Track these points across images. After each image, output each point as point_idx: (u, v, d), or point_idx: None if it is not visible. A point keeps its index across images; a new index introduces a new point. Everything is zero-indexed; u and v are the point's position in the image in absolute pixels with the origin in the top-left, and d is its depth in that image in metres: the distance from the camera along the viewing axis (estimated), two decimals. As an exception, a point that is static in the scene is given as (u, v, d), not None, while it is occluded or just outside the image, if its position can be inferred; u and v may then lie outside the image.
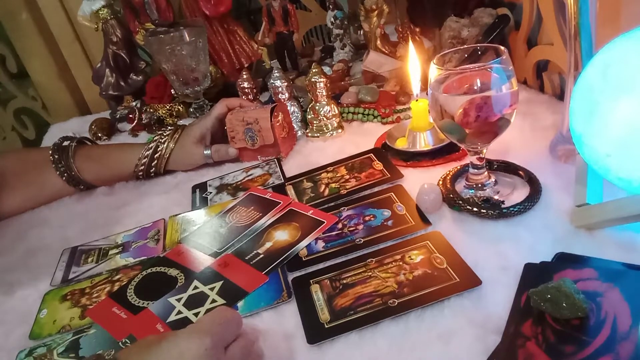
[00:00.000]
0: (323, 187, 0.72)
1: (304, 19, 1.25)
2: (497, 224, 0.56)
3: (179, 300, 0.56)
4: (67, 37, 1.27)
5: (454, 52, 0.63)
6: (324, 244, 0.60)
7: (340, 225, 0.62)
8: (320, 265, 0.57)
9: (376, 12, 0.99)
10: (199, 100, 1.08)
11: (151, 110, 1.08)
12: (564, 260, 0.48)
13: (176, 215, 0.74)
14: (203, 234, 0.67)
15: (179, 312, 0.54)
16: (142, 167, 0.83)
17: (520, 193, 0.60)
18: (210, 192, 0.78)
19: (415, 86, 0.71)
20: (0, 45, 1.43)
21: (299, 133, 0.88)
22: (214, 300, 0.55)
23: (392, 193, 0.66)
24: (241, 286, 0.56)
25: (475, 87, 0.54)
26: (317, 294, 0.52)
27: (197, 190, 0.79)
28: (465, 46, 0.63)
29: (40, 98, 1.42)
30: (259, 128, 0.80)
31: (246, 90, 0.92)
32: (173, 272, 0.61)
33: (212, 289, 0.56)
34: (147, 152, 0.83)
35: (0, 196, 0.82)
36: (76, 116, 1.33)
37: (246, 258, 0.60)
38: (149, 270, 0.63)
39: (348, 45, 1.14)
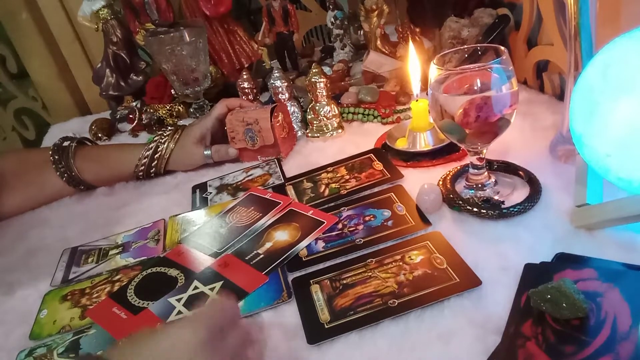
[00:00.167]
0: (323, 187, 0.72)
1: (304, 19, 1.25)
2: (497, 224, 0.56)
3: (179, 300, 0.56)
4: (67, 37, 1.27)
5: (454, 52, 0.63)
6: (324, 244, 0.60)
7: (340, 226, 0.62)
8: (320, 266, 0.57)
9: (376, 12, 0.99)
10: (199, 101, 1.08)
11: (151, 110, 1.08)
12: (564, 261, 0.48)
13: (176, 215, 0.74)
14: (203, 234, 0.67)
15: (179, 312, 0.54)
16: (142, 168, 0.83)
17: (520, 193, 0.60)
18: (210, 193, 0.78)
19: (415, 86, 0.71)
20: (0, 46, 1.43)
21: (299, 133, 0.88)
22: (214, 301, 0.55)
23: (392, 193, 0.66)
24: (241, 286, 0.56)
25: (475, 87, 0.54)
26: (317, 294, 0.52)
27: (197, 191, 0.79)
28: (465, 46, 0.63)
29: (41, 98, 1.42)
30: (259, 128, 0.80)
31: (246, 90, 0.92)
32: (173, 272, 0.61)
33: (212, 289, 0.56)
34: (147, 153, 0.83)
35: (1, 196, 0.82)
36: (76, 116, 1.34)
37: (246, 258, 0.60)
38: (149, 271, 0.63)
39: (348, 45, 1.14)
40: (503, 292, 0.47)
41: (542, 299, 0.42)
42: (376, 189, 0.68)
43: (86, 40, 1.28)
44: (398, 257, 0.55)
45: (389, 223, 0.60)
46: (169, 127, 0.86)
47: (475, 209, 0.57)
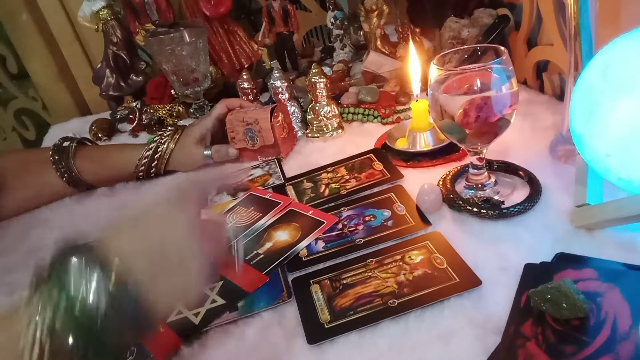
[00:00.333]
0: (323, 187, 0.72)
1: (304, 20, 1.25)
2: (497, 224, 0.56)
3: (179, 300, 0.56)
4: (68, 37, 1.27)
5: (454, 52, 0.63)
6: (324, 244, 0.60)
7: (340, 226, 0.62)
8: (320, 266, 0.57)
9: (376, 12, 0.99)
10: (199, 101, 1.08)
11: (151, 110, 1.08)
12: (564, 261, 0.48)
13: (176, 215, 0.74)
14: (203, 234, 0.67)
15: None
16: (143, 168, 0.83)
17: (520, 193, 0.60)
18: (210, 193, 0.78)
19: (415, 86, 0.71)
20: (0, 46, 1.43)
21: (299, 133, 0.88)
22: (214, 300, 0.55)
23: (392, 193, 0.66)
24: (241, 286, 0.56)
25: (475, 88, 0.54)
26: (317, 294, 0.52)
27: (197, 191, 0.79)
28: (465, 46, 0.63)
29: (41, 98, 1.42)
30: (259, 128, 0.80)
31: (246, 90, 0.92)
32: (173, 272, 0.61)
33: (212, 289, 0.56)
34: (147, 153, 0.83)
35: (1, 197, 0.82)
36: (76, 117, 1.34)
37: (246, 258, 0.60)
38: (149, 271, 0.63)
39: (348, 45, 1.14)
40: (503, 292, 0.47)
41: (542, 299, 0.42)
42: (376, 189, 0.68)
43: (86, 40, 1.28)
44: (398, 257, 0.55)
45: (389, 223, 0.60)
46: (169, 128, 0.86)
47: (475, 209, 0.57)
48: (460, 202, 0.59)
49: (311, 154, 0.83)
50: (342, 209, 0.65)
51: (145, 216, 0.40)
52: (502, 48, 0.54)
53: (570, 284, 0.42)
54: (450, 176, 0.64)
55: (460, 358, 0.42)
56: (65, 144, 0.85)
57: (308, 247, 0.60)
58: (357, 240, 0.59)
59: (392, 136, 0.77)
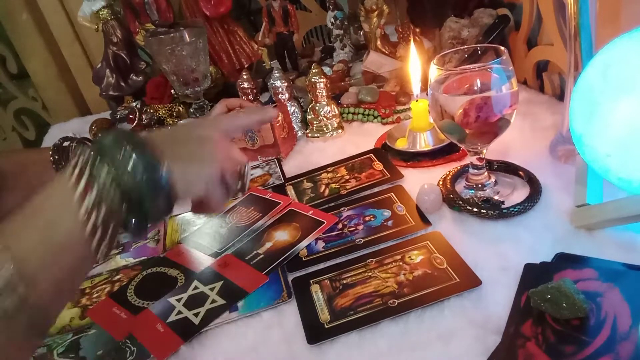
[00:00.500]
0: (323, 187, 0.72)
1: (304, 20, 1.25)
2: (497, 224, 0.56)
3: (179, 300, 0.56)
4: (68, 37, 1.27)
5: (454, 52, 0.63)
6: (324, 244, 0.60)
7: (340, 226, 0.62)
8: (320, 266, 0.57)
9: (376, 12, 0.99)
10: (199, 101, 1.08)
11: (151, 110, 1.08)
12: (564, 261, 0.48)
13: (176, 215, 0.74)
14: (203, 234, 0.67)
15: (179, 312, 0.54)
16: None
17: (520, 193, 0.60)
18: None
19: (415, 86, 0.71)
20: (0, 46, 1.43)
21: (299, 133, 0.88)
22: (214, 301, 0.55)
23: (392, 193, 0.66)
24: (241, 286, 0.56)
25: (475, 88, 0.54)
26: (317, 294, 0.52)
27: (197, 191, 0.79)
28: (465, 46, 0.63)
29: (41, 98, 1.42)
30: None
31: (246, 90, 0.92)
32: (173, 272, 0.61)
33: (212, 289, 0.56)
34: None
35: (0, 196, 0.82)
36: (76, 117, 1.34)
37: (246, 258, 0.60)
38: (149, 271, 0.63)
39: (348, 45, 1.14)
40: (503, 292, 0.47)
41: (542, 299, 0.42)
42: (376, 189, 0.68)
43: (86, 40, 1.28)
44: (398, 257, 0.55)
45: (389, 223, 0.60)
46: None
47: (475, 209, 0.57)
48: (460, 202, 0.59)
49: (311, 154, 0.83)
50: (342, 209, 0.65)
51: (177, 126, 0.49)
52: (502, 48, 0.54)
53: (570, 284, 0.42)
54: (450, 176, 0.64)
55: (460, 358, 0.43)
56: (66, 143, 0.85)
57: (308, 247, 0.60)
58: (357, 240, 0.59)
59: (392, 136, 0.77)
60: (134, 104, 1.12)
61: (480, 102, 0.53)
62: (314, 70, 0.84)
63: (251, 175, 0.80)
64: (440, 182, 0.64)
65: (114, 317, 0.56)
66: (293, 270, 0.57)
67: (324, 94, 0.85)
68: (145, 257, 0.66)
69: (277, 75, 0.88)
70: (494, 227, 0.56)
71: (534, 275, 0.47)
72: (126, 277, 0.63)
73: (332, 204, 0.67)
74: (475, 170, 0.61)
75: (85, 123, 1.17)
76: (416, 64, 0.71)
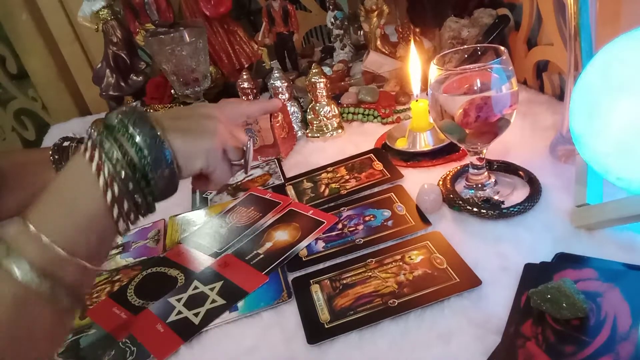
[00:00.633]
0: (323, 187, 0.72)
1: (304, 20, 1.25)
2: (497, 224, 0.56)
3: (179, 300, 0.56)
4: (67, 37, 1.27)
5: (454, 52, 0.63)
6: (324, 244, 0.60)
7: (340, 226, 0.62)
8: (320, 266, 0.57)
9: (376, 12, 0.99)
10: (199, 101, 1.08)
11: (151, 110, 1.08)
12: (564, 260, 0.48)
13: (176, 215, 0.74)
14: (203, 234, 0.67)
15: (179, 312, 0.54)
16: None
17: (520, 193, 0.60)
18: (211, 193, 0.78)
19: (415, 86, 0.71)
20: (0, 46, 1.43)
21: (299, 133, 0.88)
22: (214, 300, 0.55)
23: (392, 193, 0.66)
24: (241, 286, 0.56)
25: (475, 88, 0.54)
26: (317, 294, 0.52)
27: (197, 191, 0.79)
28: (465, 46, 0.63)
29: (40, 99, 1.42)
30: (258, 128, 0.80)
31: (246, 90, 0.92)
32: (173, 272, 0.61)
33: (212, 289, 0.56)
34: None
35: (0, 196, 0.82)
36: (76, 117, 1.34)
37: (246, 258, 0.60)
38: (149, 271, 0.63)
39: (348, 45, 1.14)
40: (503, 292, 0.47)
41: (542, 299, 0.42)
42: (376, 189, 0.68)
43: (86, 40, 1.28)
44: (398, 257, 0.55)
45: (389, 223, 0.60)
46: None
47: (475, 209, 0.57)
48: (460, 202, 0.59)
49: (311, 154, 0.83)
50: (342, 209, 0.65)
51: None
52: (502, 48, 0.54)
53: (570, 284, 0.42)
54: (450, 176, 0.64)
55: (460, 358, 0.43)
56: (66, 143, 0.85)
57: (308, 247, 0.60)
58: (357, 240, 0.59)
59: (392, 136, 0.77)
60: (134, 104, 1.12)
61: (480, 102, 0.53)
62: (314, 70, 0.84)
63: (251, 175, 0.80)
64: (440, 182, 0.64)
65: (114, 317, 0.56)
66: (293, 270, 0.57)
67: (324, 94, 0.85)
68: (145, 257, 0.66)
69: (277, 75, 0.88)
70: (494, 227, 0.56)
71: (534, 275, 0.47)
72: (126, 277, 0.63)
73: (332, 204, 0.67)
74: (475, 170, 0.61)
75: (85, 123, 1.17)
76: (416, 64, 0.71)
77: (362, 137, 0.83)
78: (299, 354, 0.47)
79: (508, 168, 0.63)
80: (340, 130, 0.86)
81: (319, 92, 0.84)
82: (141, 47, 1.17)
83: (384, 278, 0.52)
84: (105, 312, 0.57)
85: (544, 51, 0.77)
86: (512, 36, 0.84)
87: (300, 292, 0.53)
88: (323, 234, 0.61)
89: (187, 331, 0.52)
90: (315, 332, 0.48)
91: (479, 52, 0.59)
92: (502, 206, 0.57)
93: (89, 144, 0.41)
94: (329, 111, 0.85)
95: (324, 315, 0.50)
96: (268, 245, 0.62)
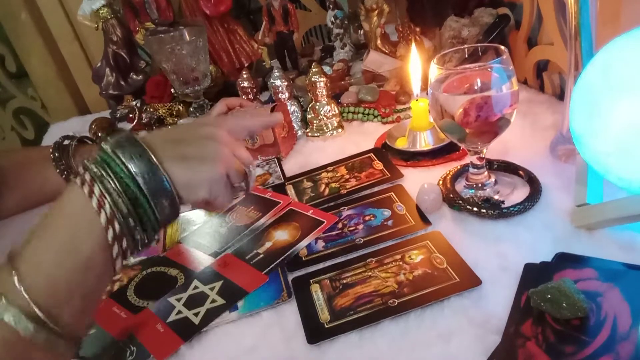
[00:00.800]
0: (323, 186, 0.72)
1: (304, 19, 1.25)
2: (497, 224, 0.56)
3: (179, 300, 0.56)
4: (67, 36, 1.27)
5: (454, 51, 0.63)
6: (324, 243, 0.60)
7: (340, 225, 0.62)
8: (320, 265, 0.57)
9: (376, 11, 0.99)
10: (199, 100, 1.08)
11: (151, 109, 1.08)
12: (564, 260, 0.48)
13: (176, 215, 0.74)
14: (203, 234, 0.67)
15: (179, 312, 0.54)
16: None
17: (520, 193, 0.60)
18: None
19: (415, 86, 0.71)
20: (-1, 45, 1.43)
21: (299, 133, 0.88)
22: (214, 300, 0.55)
23: (392, 193, 0.66)
24: (241, 286, 0.56)
25: (476, 87, 0.54)
26: (317, 294, 0.52)
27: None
28: (466, 46, 0.63)
29: (40, 98, 1.42)
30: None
31: (246, 89, 0.92)
32: (173, 272, 0.61)
33: (212, 289, 0.56)
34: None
35: (1, 195, 0.82)
36: (76, 116, 1.33)
37: (246, 258, 0.60)
38: (148, 270, 0.63)
39: (348, 44, 1.14)
40: (503, 292, 0.47)
41: (542, 299, 0.42)
42: (376, 189, 0.68)
43: (85, 39, 1.28)
44: (398, 256, 0.55)
45: (389, 223, 0.60)
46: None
47: (475, 209, 0.57)
48: (460, 202, 0.59)
49: (311, 153, 0.83)
50: (342, 208, 0.65)
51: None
52: (503, 47, 0.54)
53: (570, 284, 0.42)
54: (450, 176, 0.64)
55: (460, 358, 0.43)
56: (66, 142, 0.85)
57: (308, 246, 0.60)
58: (357, 240, 0.59)
59: (392, 135, 0.77)
60: (134, 103, 1.12)
61: (480, 102, 0.53)
62: (314, 70, 0.84)
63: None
64: (440, 182, 0.64)
65: (114, 317, 0.56)
66: (293, 269, 0.57)
67: (324, 93, 0.84)
68: (145, 257, 0.66)
69: (277, 74, 0.87)
70: (494, 227, 0.56)
71: (534, 275, 0.47)
72: (126, 276, 0.63)
73: (332, 204, 0.67)
74: (475, 170, 0.61)
75: (84, 122, 1.17)
76: (416, 63, 0.71)
77: (362, 136, 0.83)
78: (299, 354, 0.47)
79: (508, 168, 0.63)
80: (340, 130, 0.86)
81: (319, 92, 0.84)
82: (141, 46, 1.17)
83: (384, 278, 0.52)
84: (105, 312, 0.57)
85: (544, 51, 0.77)
86: (513, 35, 0.84)
87: (300, 292, 0.53)
88: (323, 233, 0.61)
89: (187, 331, 0.52)
90: (315, 332, 0.48)
91: (479, 52, 0.59)
92: (502, 206, 0.57)
93: (87, 177, 0.39)
94: (329, 110, 0.85)
95: (324, 315, 0.50)
96: (268, 244, 0.62)
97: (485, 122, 0.54)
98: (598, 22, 0.56)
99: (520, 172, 0.62)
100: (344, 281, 0.53)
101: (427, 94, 0.59)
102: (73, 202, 0.40)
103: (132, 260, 0.66)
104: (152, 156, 0.41)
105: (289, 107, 0.87)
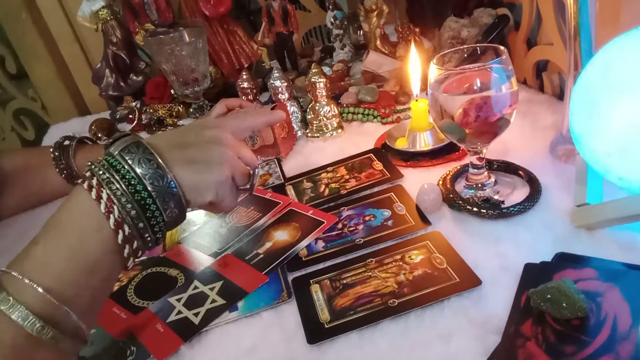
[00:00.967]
0: (323, 187, 0.72)
1: (303, 20, 1.25)
2: (497, 224, 0.56)
3: (179, 300, 0.56)
4: (67, 37, 1.27)
5: (454, 52, 0.63)
6: (324, 244, 0.60)
7: (340, 225, 0.62)
8: (320, 265, 0.57)
9: (376, 12, 0.99)
10: (198, 101, 1.08)
11: (151, 110, 1.08)
12: (564, 260, 0.48)
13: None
14: (203, 234, 0.67)
15: (179, 312, 0.54)
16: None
17: (520, 193, 0.60)
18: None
19: (415, 86, 0.71)
20: (-1, 46, 1.43)
21: (299, 133, 0.88)
22: (214, 300, 0.55)
23: (392, 193, 0.66)
24: (241, 286, 0.56)
25: (475, 87, 0.54)
26: (317, 294, 0.52)
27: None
28: (465, 46, 0.63)
29: (40, 99, 1.42)
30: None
31: (246, 90, 0.92)
32: (173, 272, 0.61)
33: (212, 289, 0.56)
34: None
35: (1, 195, 0.82)
36: (76, 117, 1.33)
37: (246, 258, 0.60)
38: (149, 270, 0.63)
39: (348, 45, 1.14)
40: (503, 292, 0.47)
41: (542, 299, 0.42)
42: (376, 189, 0.68)
43: (85, 40, 1.28)
44: (398, 256, 0.55)
45: (389, 223, 0.60)
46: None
47: (475, 209, 0.57)
48: (460, 202, 0.59)
49: (311, 153, 0.83)
50: (342, 208, 0.65)
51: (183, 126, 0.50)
52: (502, 48, 0.54)
53: (570, 284, 0.42)
54: (450, 176, 0.64)
55: (460, 358, 0.42)
56: (66, 142, 0.85)
57: (308, 247, 0.60)
58: (357, 240, 0.59)
59: (392, 136, 0.77)
60: (134, 104, 1.12)
61: (480, 102, 0.53)
62: (313, 70, 0.84)
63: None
64: (440, 182, 0.64)
65: (114, 317, 0.56)
66: (293, 270, 0.57)
67: (324, 93, 0.85)
68: (145, 257, 0.66)
69: (277, 75, 0.88)
70: (494, 227, 0.56)
71: (534, 275, 0.47)
72: (126, 277, 0.63)
73: (332, 204, 0.67)
74: (475, 170, 0.61)
75: (84, 123, 1.17)
76: (416, 64, 0.71)
77: (362, 137, 0.83)
78: (299, 354, 0.47)
79: (508, 168, 0.63)
80: (340, 130, 0.86)
81: (319, 92, 0.84)
82: (141, 47, 1.17)
83: (384, 278, 0.52)
84: (105, 312, 0.57)
85: (543, 51, 0.77)
86: (512, 36, 0.84)
87: (300, 292, 0.53)
88: (323, 233, 0.61)
89: (187, 331, 0.52)
90: (315, 332, 0.48)
91: (479, 52, 0.59)
92: (502, 206, 0.57)
93: (94, 182, 0.40)
94: (329, 111, 0.85)
95: (324, 315, 0.50)
96: (268, 245, 0.62)
97: (485, 123, 0.54)
98: (597, 22, 0.56)
99: (520, 172, 0.62)
100: (344, 281, 0.53)
101: (426, 94, 0.59)
102: (81, 205, 0.40)
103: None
104: (160, 160, 0.41)
105: (288, 108, 0.87)
